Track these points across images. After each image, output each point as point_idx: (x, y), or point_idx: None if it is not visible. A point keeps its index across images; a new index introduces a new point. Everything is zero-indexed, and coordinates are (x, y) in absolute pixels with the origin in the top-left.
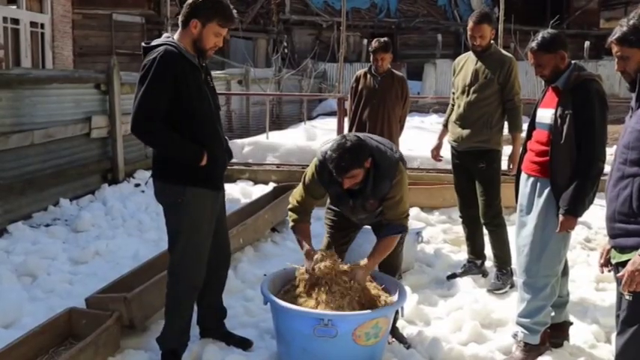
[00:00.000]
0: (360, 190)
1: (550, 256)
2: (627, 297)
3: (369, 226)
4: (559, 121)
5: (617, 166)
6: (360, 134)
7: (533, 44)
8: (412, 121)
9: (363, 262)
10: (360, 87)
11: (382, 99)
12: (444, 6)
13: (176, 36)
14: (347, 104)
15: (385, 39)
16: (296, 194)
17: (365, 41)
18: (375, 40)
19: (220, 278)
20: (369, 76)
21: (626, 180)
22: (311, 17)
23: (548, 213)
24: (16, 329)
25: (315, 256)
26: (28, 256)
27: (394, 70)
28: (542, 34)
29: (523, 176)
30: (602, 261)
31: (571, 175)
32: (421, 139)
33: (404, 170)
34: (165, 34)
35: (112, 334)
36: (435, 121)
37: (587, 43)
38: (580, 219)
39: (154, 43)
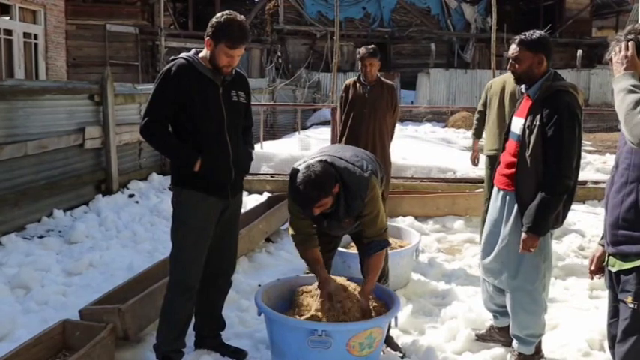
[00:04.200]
0: (333, 213)
1: (528, 271)
2: (631, 305)
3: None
4: (527, 132)
5: (620, 171)
6: (328, 155)
7: (518, 37)
8: (406, 130)
9: (359, 289)
10: (350, 96)
11: (373, 107)
12: (438, 15)
13: (203, 51)
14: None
15: (373, 46)
16: (290, 222)
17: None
18: (363, 47)
19: (220, 287)
20: (358, 84)
21: (630, 186)
22: (305, 27)
23: (519, 228)
24: (9, 342)
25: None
26: (21, 268)
27: (383, 79)
28: (532, 31)
29: (494, 190)
30: (592, 267)
31: (535, 189)
32: (415, 148)
33: (377, 185)
34: (194, 49)
35: (106, 345)
36: (428, 130)
37: (579, 52)
38: (573, 227)
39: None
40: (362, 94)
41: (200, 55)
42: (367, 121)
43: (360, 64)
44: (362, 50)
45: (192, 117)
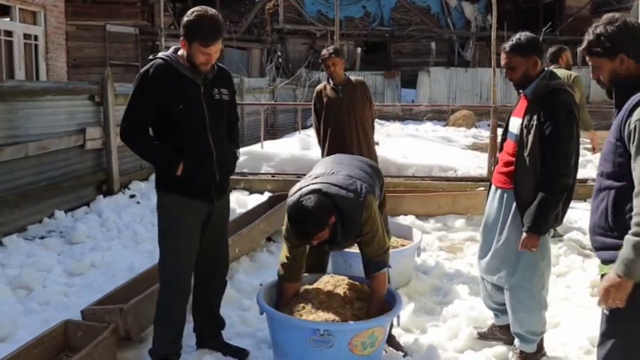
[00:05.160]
0: (332, 239)
1: (526, 268)
2: (605, 311)
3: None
4: (524, 131)
5: (597, 177)
6: (320, 182)
7: (507, 45)
8: (407, 129)
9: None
10: (324, 100)
11: (351, 105)
12: (438, 14)
13: (181, 50)
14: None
15: (334, 46)
16: (282, 247)
17: (359, 50)
18: (325, 49)
19: (216, 288)
20: (329, 88)
21: (602, 193)
22: (305, 26)
23: (518, 226)
24: (11, 343)
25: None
26: (22, 269)
27: (351, 77)
28: (519, 35)
29: (492, 189)
30: None
31: (534, 188)
32: (416, 146)
33: (372, 203)
34: (173, 47)
35: (108, 346)
36: (429, 128)
37: (579, 50)
38: (574, 225)
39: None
40: (336, 95)
41: (179, 52)
42: (348, 120)
43: (324, 66)
44: (323, 52)
45: (173, 118)
